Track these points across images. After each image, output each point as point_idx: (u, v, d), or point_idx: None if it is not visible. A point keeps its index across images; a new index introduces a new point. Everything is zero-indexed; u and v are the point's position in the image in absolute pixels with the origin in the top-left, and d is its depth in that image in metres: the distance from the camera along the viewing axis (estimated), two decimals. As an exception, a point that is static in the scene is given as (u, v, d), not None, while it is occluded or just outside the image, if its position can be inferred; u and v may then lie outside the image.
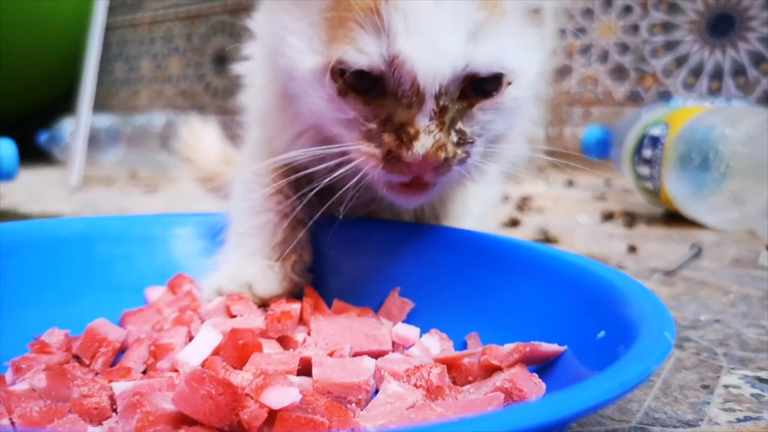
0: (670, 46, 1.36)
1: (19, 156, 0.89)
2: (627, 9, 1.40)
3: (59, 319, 0.39)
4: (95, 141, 1.51)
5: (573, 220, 0.90)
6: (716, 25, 1.30)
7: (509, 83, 0.36)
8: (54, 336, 0.37)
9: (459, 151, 0.35)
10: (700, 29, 1.32)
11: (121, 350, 0.37)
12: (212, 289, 0.42)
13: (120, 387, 0.30)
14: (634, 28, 1.39)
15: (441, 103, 0.34)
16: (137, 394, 0.28)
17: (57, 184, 1.29)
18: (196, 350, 0.35)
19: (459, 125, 0.35)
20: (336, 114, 0.36)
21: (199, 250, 0.46)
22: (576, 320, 0.33)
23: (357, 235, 0.45)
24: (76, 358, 0.36)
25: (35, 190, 1.17)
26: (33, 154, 0.89)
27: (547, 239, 0.74)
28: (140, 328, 0.40)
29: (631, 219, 0.87)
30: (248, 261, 0.43)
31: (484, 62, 0.33)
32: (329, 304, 0.42)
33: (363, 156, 0.35)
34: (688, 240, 0.74)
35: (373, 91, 0.34)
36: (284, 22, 0.37)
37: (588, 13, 1.44)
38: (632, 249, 0.70)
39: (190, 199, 1.10)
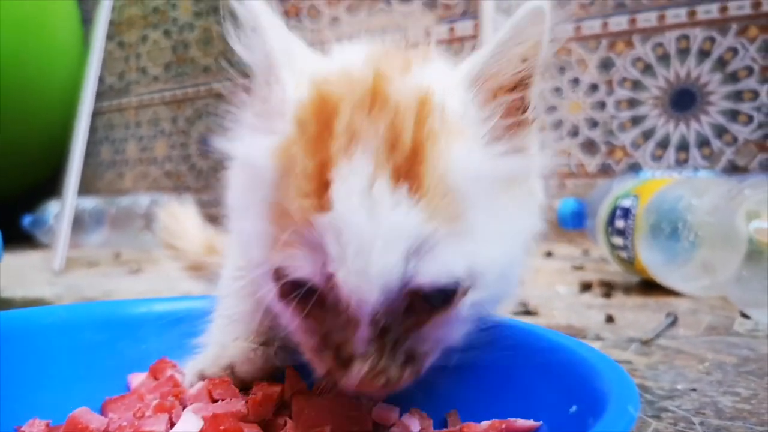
0: (636, 120, 1.43)
1: (3, 241, 0.89)
2: (593, 87, 1.47)
3: (40, 408, 0.39)
4: (79, 223, 1.52)
5: (552, 290, 0.92)
6: (678, 101, 1.37)
7: (465, 291, 0.31)
8: (35, 426, 0.37)
9: (407, 372, 0.32)
10: (663, 104, 1.39)
11: (102, 439, 0.37)
12: (194, 372, 0.42)
13: (102, 478, 0.30)
14: (601, 105, 1.46)
15: (381, 324, 0.30)
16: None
17: (40, 267, 1.29)
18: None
19: (407, 344, 0.32)
20: (283, 316, 0.35)
21: (184, 334, 0.47)
22: (550, 395, 0.34)
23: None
24: (58, 448, 0.36)
25: (18, 274, 1.17)
26: (16, 237, 0.90)
27: (527, 312, 0.76)
28: (122, 416, 0.40)
29: (608, 289, 0.89)
30: (231, 344, 0.43)
31: (428, 279, 0.30)
32: (310, 386, 0.43)
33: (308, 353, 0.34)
34: (664, 308, 0.76)
35: (314, 302, 0.31)
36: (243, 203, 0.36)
37: (557, 91, 1.51)
38: (610, 319, 0.71)
39: (173, 280, 1.10)
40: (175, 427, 0.36)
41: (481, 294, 0.32)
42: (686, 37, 1.36)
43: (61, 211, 1.22)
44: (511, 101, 0.33)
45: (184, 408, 0.39)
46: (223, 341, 0.43)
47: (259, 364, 0.42)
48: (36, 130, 1.83)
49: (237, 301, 0.44)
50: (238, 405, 0.38)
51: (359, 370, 0.30)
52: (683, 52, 1.36)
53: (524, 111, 0.34)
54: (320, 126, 0.30)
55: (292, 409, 0.38)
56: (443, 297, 0.31)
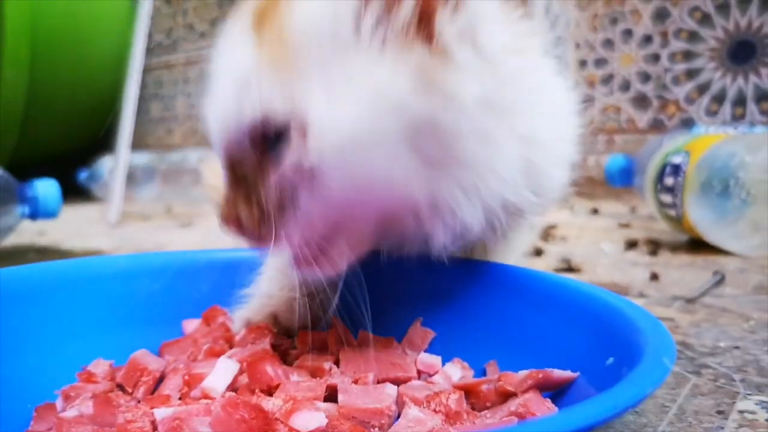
0: (691, 73, 1.37)
1: (61, 195, 0.94)
2: (647, 39, 1.42)
3: (104, 350, 0.42)
4: (132, 178, 1.57)
5: (597, 248, 0.91)
6: (737, 53, 1.31)
7: (301, 135, 0.32)
8: (99, 366, 0.40)
9: (263, 228, 0.34)
10: (721, 56, 1.33)
11: (160, 379, 0.40)
12: (241, 320, 0.44)
13: (161, 413, 0.32)
14: (655, 57, 1.41)
15: (238, 172, 0.34)
16: (177, 419, 0.31)
17: (96, 220, 1.35)
18: (218, 379, 0.37)
19: (262, 198, 0.33)
20: None
21: (234, 284, 0.49)
22: (588, 348, 0.34)
23: (384, 270, 0.47)
24: (120, 386, 0.39)
25: (76, 227, 1.22)
26: (73, 191, 0.94)
27: (570, 269, 0.76)
28: (177, 358, 0.42)
29: (654, 247, 0.88)
30: (276, 295, 0.45)
31: (247, 114, 0.32)
32: (355, 335, 0.44)
33: None
34: (711, 267, 0.75)
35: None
36: None
37: (608, 43, 1.46)
38: (654, 277, 0.71)
39: (223, 233, 1.14)
40: (213, 370, 0.38)
41: (313, 147, 0.31)
42: (749, -15, 1.29)
43: (115, 167, 1.26)
44: None
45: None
46: (269, 291, 0.45)
47: (300, 313, 0.43)
48: (89, 88, 1.89)
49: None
50: (265, 344, 0.40)
51: (221, 212, 0.35)
52: (744, 1, 1.30)
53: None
54: None
55: (339, 357, 0.40)
56: (277, 138, 0.32)
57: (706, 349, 0.48)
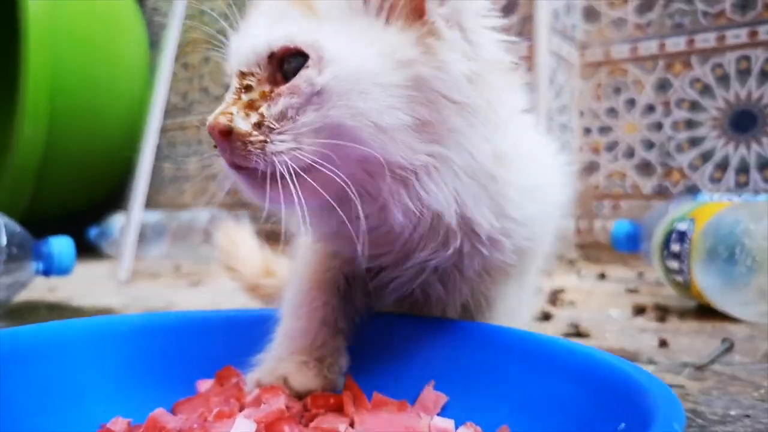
0: (694, 142, 1.41)
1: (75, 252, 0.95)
2: (650, 108, 1.46)
3: (121, 408, 0.43)
4: (141, 236, 1.59)
5: (605, 313, 0.91)
6: (739, 122, 1.35)
7: (317, 62, 0.37)
8: (118, 424, 0.40)
9: (255, 133, 0.37)
10: (723, 126, 1.37)
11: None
12: (253, 382, 0.45)
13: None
14: (658, 126, 1.45)
15: (245, 82, 0.38)
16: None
17: (106, 277, 1.36)
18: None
19: (262, 109, 0.38)
20: None
21: (247, 345, 0.49)
22: (600, 413, 0.35)
23: (395, 331, 0.48)
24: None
25: (86, 284, 1.23)
26: (83, 248, 0.96)
27: (579, 334, 0.76)
28: (190, 417, 0.43)
29: (663, 313, 0.88)
30: (287, 358, 0.46)
31: (276, 39, 0.38)
32: (368, 397, 0.45)
33: None
34: (720, 334, 0.75)
35: None
36: None
37: (612, 111, 1.50)
38: (663, 343, 0.71)
39: (231, 293, 1.15)
40: (233, 430, 0.38)
41: (324, 78, 0.37)
42: (747, 58, 1.34)
43: (127, 225, 1.28)
44: None
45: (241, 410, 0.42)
46: (280, 355, 0.46)
47: (310, 376, 0.44)
48: (102, 146, 1.93)
49: (295, 319, 0.48)
50: (279, 403, 0.41)
51: (216, 111, 0.38)
52: (744, 73, 1.34)
53: None
54: None
55: (353, 419, 0.40)
56: (292, 68, 0.38)
57: (716, 417, 0.48)
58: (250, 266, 0.78)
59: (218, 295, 1.12)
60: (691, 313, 0.90)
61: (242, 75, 0.39)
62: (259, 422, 0.38)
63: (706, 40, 1.38)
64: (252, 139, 0.37)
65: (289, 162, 0.37)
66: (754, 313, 0.79)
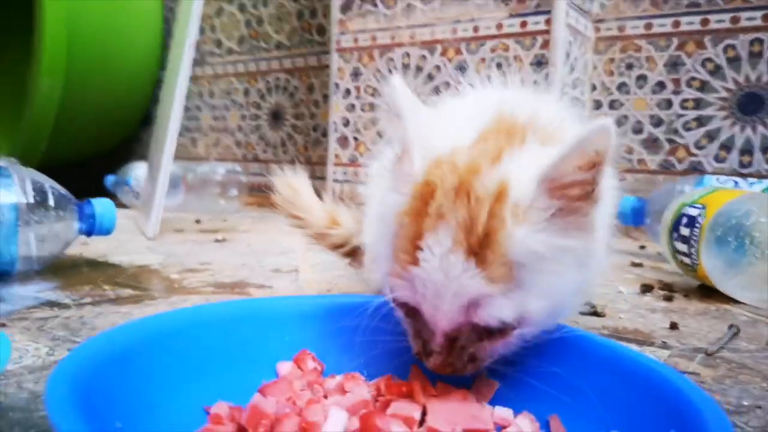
0: (701, 121, 1.45)
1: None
2: (661, 85, 1.50)
3: (216, 391, 0.48)
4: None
5: (614, 289, 0.98)
6: (746, 104, 1.40)
7: (514, 328, 0.44)
8: (221, 408, 0.46)
9: (470, 367, 0.46)
10: (731, 107, 1.42)
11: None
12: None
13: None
14: (668, 103, 1.49)
15: (450, 337, 0.44)
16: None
17: (131, 231, 1.40)
18: (333, 427, 0.43)
19: (471, 350, 0.45)
20: (397, 314, 0.49)
21: (322, 328, 0.55)
22: (649, 418, 0.41)
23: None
24: (240, 427, 0.45)
25: (114, 238, 1.27)
26: (101, 196, 1.00)
27: (596, 313, 0.82)
28: (279, 400, 0.48)
29: (669, 291, 0.95)
30: None
31: (481, 321, 0.42)
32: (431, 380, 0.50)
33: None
34: (724, 316, 0.82)
35: (412, 310, 0.46)
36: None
37: (623, 86, 1.54)
38: (674, 326, 0.77)
39: (257, 253, 1.20)
40: (328, 420, 0.44)
41: (530, 329, 0.45)
42: (760, 41, 1.37)
43: (153, 180, 1.31)
44: (576, 194, 0.43)
45: (325, 397, 0.48)
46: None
47: None
48: (117, 96, 1.94)
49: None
50: (363, 392, 0.48)
51: (434, 360, 0.45)
52: (755, 56, 1.38)
53: (590, 195, 0.43)
54: (421, 204, 0.43)
55: (426, 408, 0.46)
56: (498, 330, 0.43)
57: (731, 407, 0.53)
58: (316, 215, 0.80)
59: (245, 255, 1.17)
60: (695, 292, 0.97)
61: (446, 333, 0.44)
62: (348, 411, 0.44)
63: (720, 20, 1.41)
64: (473, 369, 0.46)
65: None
66: (759, 300, 0.86)
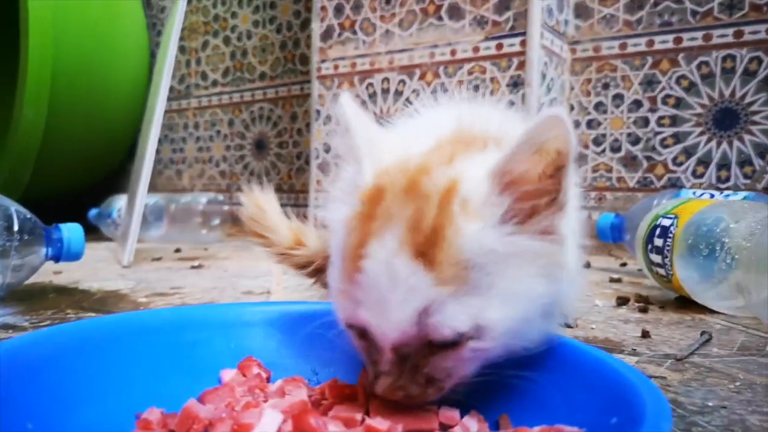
0: (678, 137, 1.46)
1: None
2: (637, 103, 1.51)
3: (153, 398, 0.46)
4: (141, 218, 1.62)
5: (590, 303, 0.96)
6: (722, 119, 1.40)
7: (469, 339, 0.39)
8: (153, 414, 0.44)
9: (429, 390, 0.41)
10: (706, 122, 1.42)
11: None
12: None
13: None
14: (645, 121, 1.50)
15: (400, 353, 0.40)
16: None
17: (108, 259, 1.39)
18: (266, 427, 0.42)
19: (425, 371, 0.40)
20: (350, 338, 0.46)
21: (268, 335, 0.53)
22: (593, 406, 0.39)
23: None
24: (171, 432, 0.43)
25: (89, 266, 1.25)
26: (84, 229, 0.99)
27: (567, 325, 0.80)
28: (218, 406, 0.47)
29: (644, 304, 0.93)
30: None
31: (433, 331, 0.38)
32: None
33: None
34: (699, 325, 0.80)
35: (360, 332, 0.42)
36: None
37: (600, 106, 1.54)
38: (646, 334, 0.75)
39: (232, 276, 1.18)
40: (261, 420, 0.42)
41: (488, 344, 0.40)
42: (732, 57, 1.39)
43: (130, 209, 1.30)
44: (531, 190, 0.40)
45: (265, 401, 0.46)
46: None
47: None
48: (102, 128, 1.95)
49: None
50: (302, 394, 0.46)
51: (383, 383, 0.41)
52: (728, 72, 1.39)
53: (554, 198, 0.40)
54: (369, 208, 0.40)
55: (369, 407, 0.45)
56: (452, 342, 0.39)
57: (695, 408, 0.52)
58: (281, 234, 0.79)
59: (221, 280, 1.15)
60: (671, 304, 0.95)
61: (395, 349, 0.40)
62: (285, 412, 0.43)
63: (693, 38, 1.42)
64: (429, 394, 0.42)
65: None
66: (731, 307, 0.85)
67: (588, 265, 1.36)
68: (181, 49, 2.34)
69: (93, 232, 1.77)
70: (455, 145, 0.45)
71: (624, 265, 1.38)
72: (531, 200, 0.40)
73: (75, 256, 0.96)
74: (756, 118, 1.36)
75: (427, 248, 0.37)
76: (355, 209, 0.41)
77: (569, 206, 0.42)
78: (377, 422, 0.43)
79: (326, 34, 1.69)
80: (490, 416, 0.45)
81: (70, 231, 0.96)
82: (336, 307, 0.44)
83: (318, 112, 1.73)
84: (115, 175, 2.24)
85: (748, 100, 1.37)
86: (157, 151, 2.40)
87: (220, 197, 1.85)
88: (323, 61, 1.70)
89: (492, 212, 0.39)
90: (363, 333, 0.41)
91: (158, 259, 1.46)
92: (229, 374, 0.51)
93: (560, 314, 0.48)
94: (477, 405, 0.46)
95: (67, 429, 0.39)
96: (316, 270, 0.80)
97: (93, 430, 0.42)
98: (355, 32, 1.64)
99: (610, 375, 0.40)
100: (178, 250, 1.62)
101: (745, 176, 1.38)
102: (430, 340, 0.39)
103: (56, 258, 0.96)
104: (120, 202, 1.73)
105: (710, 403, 0.53)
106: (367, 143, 0.45)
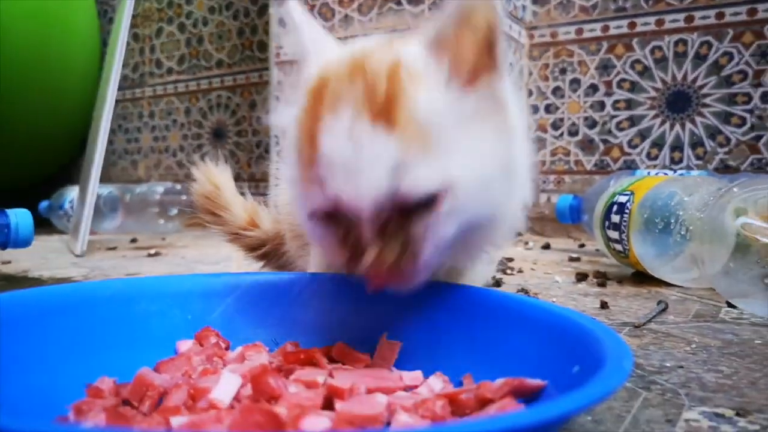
0: (633, 120, 1.49)
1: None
2: (593, 88, 1.53)
3: (105, 368, 0.44)
4: (95, 209, 1.57)
5: (550, 280, 0.97)
6: (674, 102, 1.43)
7: (440, 198, 0.40)
8: (104, 383, 0.42)
9: (406, 257, 0.41)
10: (660, 105, 1.45)
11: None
12: None
13: (177, 421, 0.36)
14: (601, 105, 1.52)
15: (379, 221, 0.40)
16: (193, 425, 0.34)
17: (61, 250, 1.34)
18: (224, 390, 0.41)
19: (402, 235, 0.40)
20: (313, 234, 0.46)
21: (226, 306, 0.52)
22: (555, 359, 0.39)
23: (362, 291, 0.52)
24: (125, 402, 0.42)
25: (41, 257, 1.21)
26: (35, 222, 0.94)
27: (497, 283, 0.81)
28: (173, 375, 0.45)
29: (603, 278, 0.94)
30: None
31: (407, 192, 0.39)
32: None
33: (333, 259, 0.45)
34: (655, 297, 0.82)
35: (330, 218, 0.42)
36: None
37: (558, 91, 1.56)
38: (604, 305, 0.77)
39: (191, 263, 1.16)
40: (218, 383, 0.41)
41: (460, 200, 0.41)
42: (684, 42, 1.42)
43: (82, 198, 1.26)
44: (468, 58, 0.41)
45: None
46: None
47: None
48: (53, 120, 1.89)
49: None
50: (262, 359, 0.45)
51: (368, 256, 0.40)
52: (680, 56, 1.42)
53: (491, 63, 0.42)
54: (316, 96, 0.41)
55: (332, 374, 0.44)
56: (426, 202, 0.40)
57: (654, 368, 0.53)
58: (235, 213, 0.76)
59: (178, 267, 1.13)
60: (629, 279, 0.97)
61: (374, 217, 0.40)
62: (244, 376, 0.41)
63: (646, 23, 1.45)
64: (409, 261, 0.41)
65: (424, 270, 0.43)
66: (686, 279, 0.86)
67: (548, 246, 1.38)
68: (135, 37, 2.28)
69: (44, 225, 1.72)
70: (389, 40, 0.47)
71: (582, 246, 1.40)
72: (468, 65, 0.41)
73: (23, 243, 0.93)
74: (707, 100, 1.40)
75: (384, 112, 0.38)
76: (303, 104, 0.42)
77: (505, 73, 0.45)
78: (339, 381, 0.42)
79: (284, 20, 1.66)
80: (454, 378, 0.45)
81: (18, 216, 0.93)
82: (299, 205, 0.45)
83: (277, 98, 1.71)
84: (66, 169, 2.17)
85: (699, 83, 1.41)
86: (111, 142, 2.34)
87: (178, 186, 1.80)
88: (281, 47, 1.68)
89: (436, 78, 0.40)
90: (332, 216, 0.41)
91: (113, 248, 1.42)
92: (185, 345, 0.50)
93: (517, 184, 0.48)
94: (440, 367, 0.46)
95: (14, 398, 0.37)
96: (267, 253, 0.77)
97: (41, 400, 0.40)
98: (314, 17, 1.62)
99: (569, 326, 0.40)
100: (134, 240, 1.58)
101: (697, 157, 1.41)
102: (403, 203, 0.39)
103: (3, 245, 0.93)
104: (72, 193, 1.68)
105: (668, 364, 0.54)
106: (312, 42, 0.47)
